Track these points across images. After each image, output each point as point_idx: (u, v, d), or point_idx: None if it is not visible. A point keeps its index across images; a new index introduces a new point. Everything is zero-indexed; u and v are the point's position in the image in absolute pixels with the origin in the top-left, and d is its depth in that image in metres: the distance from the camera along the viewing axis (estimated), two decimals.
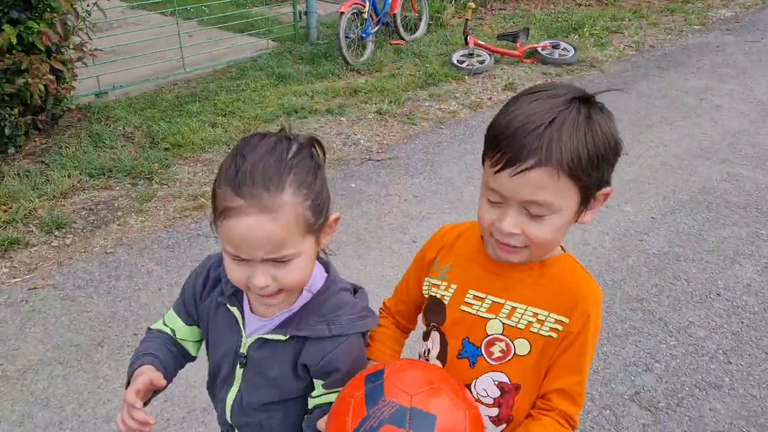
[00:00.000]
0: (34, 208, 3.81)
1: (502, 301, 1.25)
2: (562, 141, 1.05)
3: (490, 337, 1.26)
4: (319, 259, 1.26)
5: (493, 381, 1.26)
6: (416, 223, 3.78)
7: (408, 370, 1.17)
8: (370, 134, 4.96)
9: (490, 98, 5.71)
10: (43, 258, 3.45)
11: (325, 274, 1.27)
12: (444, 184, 4.23)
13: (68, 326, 2.97)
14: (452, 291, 1.31)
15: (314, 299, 1.23)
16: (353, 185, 4.18)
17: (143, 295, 3.17)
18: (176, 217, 3.85)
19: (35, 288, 3.22)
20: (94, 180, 4.16)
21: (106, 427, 2.47)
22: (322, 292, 1.24)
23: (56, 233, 3.64)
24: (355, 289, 1.32)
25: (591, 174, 1.08)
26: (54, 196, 3.95)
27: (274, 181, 1.07)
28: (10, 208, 3.79)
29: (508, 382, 1.25)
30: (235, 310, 1.26)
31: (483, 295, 1.27)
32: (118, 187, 4.13)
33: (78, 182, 4.12)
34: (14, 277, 3.29)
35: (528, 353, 1.23)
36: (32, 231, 3.65)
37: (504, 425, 1.29)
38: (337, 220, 1.21)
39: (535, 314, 1.23)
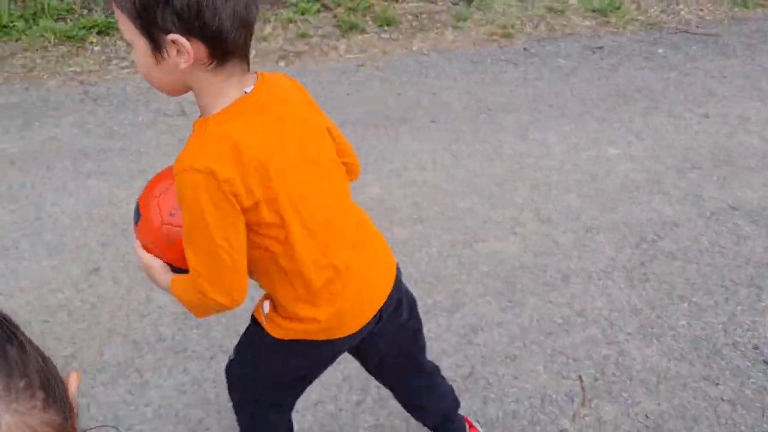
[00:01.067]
0: (372, 4, 4.45)
1: None
2: None
3: None
4: None
5: None
6: (716, 101, 3.68)
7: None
8: (694, 7, 4.71)
9: None
10: (373, 45, 4.09)
11: None
12: (761, 72, 3.96)
13: (382, 101, 3.59)
14: None
15: None
16: (660, 51, 4.12)
17: (445, 94, 3.66)
18: (485, 39, 4.21)
19: (363, 65, 3.88)
20: None
21: (398, 180, 3.05)
22: None
23: (386, 28, 4.25)
24: None
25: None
26: None
27: None
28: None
29: None
30: None
31: None
32: (441, 3, 4.59)
33: None
34: (349, 53, 3.99)
35: None
36: (368, 22, 4.30)
37: None
38: None
39: None
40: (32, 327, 2.18)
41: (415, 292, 2.39)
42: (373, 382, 2.07)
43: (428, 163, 3.13)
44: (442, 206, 2.88)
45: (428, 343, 2.20)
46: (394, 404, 2.01)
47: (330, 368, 2.09)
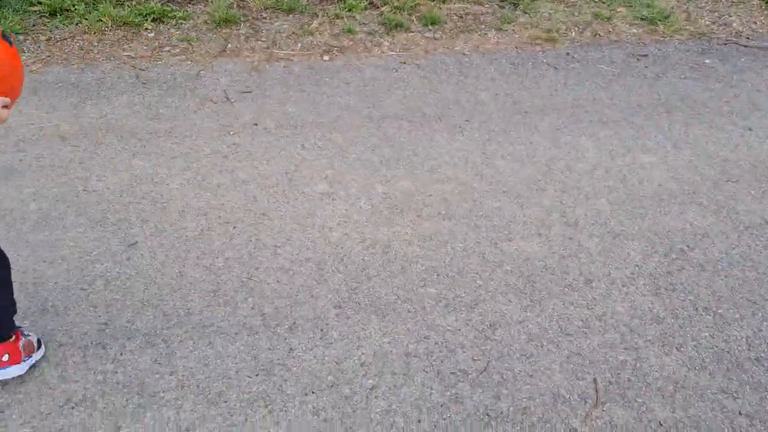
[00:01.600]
0: (418, 3, 4.49)
1: None
2: None
3: None
4: None
5: None
6: (761, 115, 3.61)
7: None
8: (747, 19, 4.61)
9: None
10: (416, 43, 4.14)
11: None
12: None
13: (420, 98, 3.63)
14: None
15: None
16: (707, 61, 4.06)
17: (482, 95, 3.68)
18: (528, 42, 4.22)
19: (404, 63, 3.93)
20: None
21: (429, 175, 3.09)
22: None
23: (430, 27, 4.29)
24: None
25: None
26: None
27: None
28: None
29: None
30: None
31: None
32: (487, 5, 4.61)
33: None
34: (392, 51, 4.04)
35: None
36: (413, 21, 4.35)
37: None
38: None
39: None
40: (70, 293, 2.31)
41: (438, 285, 2.45)
42: (388, 369, 2.12)
43: (460, 161, 3.17)
44: (471, 204, 2.91)
45: (446, 337, 2.25)
46: (407, 391, 2.06)
47: (347, 352, 2.16)
